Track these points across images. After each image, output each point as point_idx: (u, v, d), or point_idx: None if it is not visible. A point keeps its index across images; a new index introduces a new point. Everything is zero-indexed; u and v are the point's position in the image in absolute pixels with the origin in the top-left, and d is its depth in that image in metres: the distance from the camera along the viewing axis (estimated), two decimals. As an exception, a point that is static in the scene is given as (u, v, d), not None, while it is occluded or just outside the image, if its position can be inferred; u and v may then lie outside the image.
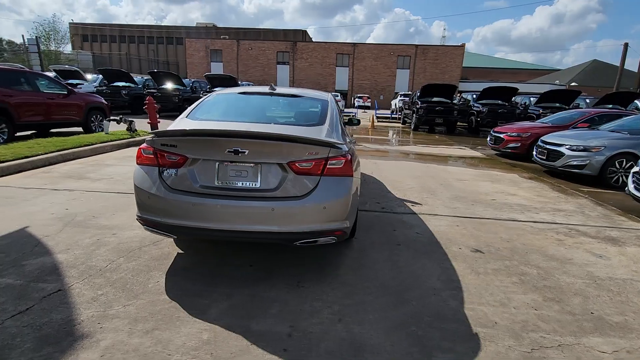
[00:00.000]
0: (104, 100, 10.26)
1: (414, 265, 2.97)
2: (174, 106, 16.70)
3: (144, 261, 2.80)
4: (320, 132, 2.69)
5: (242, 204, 2.34)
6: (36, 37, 30.70)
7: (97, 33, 68.34)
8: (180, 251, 3.02)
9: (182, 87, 17.72)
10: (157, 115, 9.95)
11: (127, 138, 8.47)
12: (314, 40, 58.96)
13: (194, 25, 66.91)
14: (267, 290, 2.49)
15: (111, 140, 7.91)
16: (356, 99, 33.78)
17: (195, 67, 44.03)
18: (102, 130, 9.04)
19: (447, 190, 5.50)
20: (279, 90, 3.57)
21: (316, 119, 2.94)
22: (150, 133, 2.56)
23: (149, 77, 19.59)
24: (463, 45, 41.71)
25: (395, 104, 25.12)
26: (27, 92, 7.83)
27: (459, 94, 19.35)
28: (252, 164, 2.40)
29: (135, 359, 1.79)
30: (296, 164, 2.39)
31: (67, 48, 63.99)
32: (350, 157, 2.61)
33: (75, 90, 9.50)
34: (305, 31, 58.49)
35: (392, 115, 22.81)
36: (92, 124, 9.58)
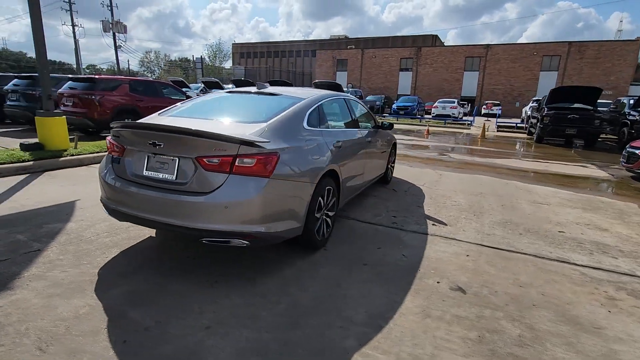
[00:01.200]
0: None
1: (354, 290, 2.52)
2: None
3: (118, 239, 3.18)
4: (249, 130, 2.55)
5: (153, 194, 2.43)
6: (201, 57, 38.29)
7: (251, 50, 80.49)
8: (153, 235, 3.32)
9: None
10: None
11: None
12: (446, 44, 55.56)
13: (327, 38, 71.70)
14: (179, 283, 2.51)
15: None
16: (483, 107, 30.31)
17: (322, 76, 47.07)
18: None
19: (502, 213, 4.42)
20: (266, 90, 3.56)
21: (263, 117, 2.80)
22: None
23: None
24: (638, 40, 32.51)
25: (525, 112, 21.43)
26: (153, 97, 9.82)
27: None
28: (171, 157, 2.47)
29: (17, 315, 2.07)
30: (204, 160, 2.34)
31: (229, 64, 77.38)
32: (273, 157, 2.41)
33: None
34: (436, 36, 55.67)
35: (518, 125, 19.53)
36: (202, 125, 11.33)
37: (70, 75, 11.10)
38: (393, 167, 5.88)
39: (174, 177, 2.45)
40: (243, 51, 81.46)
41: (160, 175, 2.50)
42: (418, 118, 22.56)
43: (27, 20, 6.34)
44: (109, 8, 38.29)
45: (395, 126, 18.46)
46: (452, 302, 2.41)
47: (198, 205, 2.33)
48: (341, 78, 45.51)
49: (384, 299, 2.42)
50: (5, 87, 10.00)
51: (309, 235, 2.91)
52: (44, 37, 6.20)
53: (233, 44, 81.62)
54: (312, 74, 65.15)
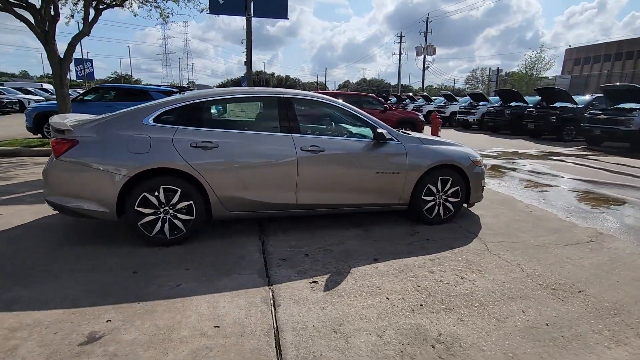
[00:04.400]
0: (418, 116, 11.62)
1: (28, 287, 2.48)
2: (548, 127, 14.26)
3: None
4: (88, 120, 3.04)
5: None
6: (497, 68, 35.47)
7: (590, 54, 64.50)
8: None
9: (574, 106, 14.39)
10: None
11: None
12: None
13: None
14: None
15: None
16: None
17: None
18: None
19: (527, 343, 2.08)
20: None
21: (110, 110, 3.15)
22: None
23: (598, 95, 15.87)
24: None
25: None
26: (351, 108, 11.02)
27: None
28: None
29: None
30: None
31: (552, 72, 66.15)
32: (64, 143, 2.85)
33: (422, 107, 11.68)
34: None
35: None
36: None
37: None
38: (453, 204, 3.83)
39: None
40: (579, 56, 66.65)
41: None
42: None
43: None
44: (424, 34, 43.51)
45: None
46: (52, 339, 1.89)
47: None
48: None
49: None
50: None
51: (132, 226, 2.99)
52: (252, 67, 8.81)
53: (567, 49, 68.55)
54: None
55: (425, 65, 44.05)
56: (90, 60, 41.56)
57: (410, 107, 26.47)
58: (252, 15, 8.52)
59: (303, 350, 1.85)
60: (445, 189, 3.77)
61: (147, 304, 2.24)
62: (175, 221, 3.08)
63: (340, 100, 3.72)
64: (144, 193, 2.96)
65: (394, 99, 31.00)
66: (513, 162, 8.27)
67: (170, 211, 3.05)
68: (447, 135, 14.47)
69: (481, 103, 19.84)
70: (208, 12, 8.25)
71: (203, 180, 3.05)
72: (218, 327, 2.04)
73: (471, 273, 2.76)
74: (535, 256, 3.11)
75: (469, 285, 2.57)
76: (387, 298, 2.39)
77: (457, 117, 19.90)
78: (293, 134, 3.32)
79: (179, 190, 3.02)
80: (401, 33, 50.52)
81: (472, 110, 19.30)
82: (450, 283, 2.61)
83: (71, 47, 7.98)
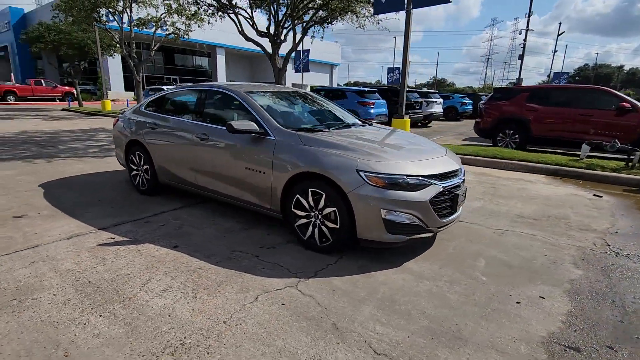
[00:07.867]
0: None
1: None
2: None
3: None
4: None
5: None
6: None
7: None
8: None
9: None
10: None
11: (611, 170, 5.96)
12: None
13: None
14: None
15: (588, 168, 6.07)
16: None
17: None
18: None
19: None
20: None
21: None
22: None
23: None
24: None
25: None
26: (559, 107, 7.78)
27: None
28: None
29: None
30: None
31: None
32: (115, 119, 4.80)
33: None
34: None
35: None
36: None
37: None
38: (330, 230, 2.80)
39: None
40: None
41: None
42: None
43: None
44: None
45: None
46: None
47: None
48: None
49: None
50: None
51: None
52: (407, 61, 8.33)
53: None
54: None
55: None
56: (398, 69, 49.63)
57: None
58: (412, 6, 7.98)
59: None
60: (320, 207, 2.84)
61: (57, 211, 3.77)
62: (144, 179, 4.43)
63: (244, 93, 3.56)
64: (131, 155, 4.50)
65: None
66: None
67: (142, 170, 4.43)
68: None
69: None
70: (373, 13, 8.56)
71: (151, 152, 4.19)
72: (37, 233, 3.24)
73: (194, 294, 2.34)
74: (280, 325, 2.01)
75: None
76: (94, 267, 2.66)
77: None
78: (197, 122, 3.75)
79: (143, 156, 4.33)
80: None
81: None
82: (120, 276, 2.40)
83: (285, 60, 10.85)
